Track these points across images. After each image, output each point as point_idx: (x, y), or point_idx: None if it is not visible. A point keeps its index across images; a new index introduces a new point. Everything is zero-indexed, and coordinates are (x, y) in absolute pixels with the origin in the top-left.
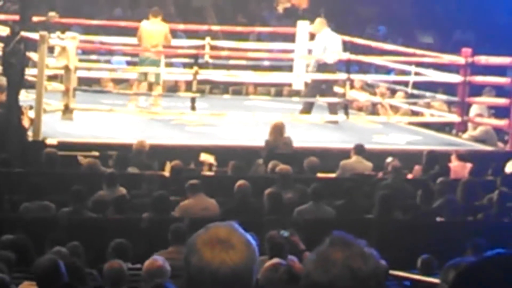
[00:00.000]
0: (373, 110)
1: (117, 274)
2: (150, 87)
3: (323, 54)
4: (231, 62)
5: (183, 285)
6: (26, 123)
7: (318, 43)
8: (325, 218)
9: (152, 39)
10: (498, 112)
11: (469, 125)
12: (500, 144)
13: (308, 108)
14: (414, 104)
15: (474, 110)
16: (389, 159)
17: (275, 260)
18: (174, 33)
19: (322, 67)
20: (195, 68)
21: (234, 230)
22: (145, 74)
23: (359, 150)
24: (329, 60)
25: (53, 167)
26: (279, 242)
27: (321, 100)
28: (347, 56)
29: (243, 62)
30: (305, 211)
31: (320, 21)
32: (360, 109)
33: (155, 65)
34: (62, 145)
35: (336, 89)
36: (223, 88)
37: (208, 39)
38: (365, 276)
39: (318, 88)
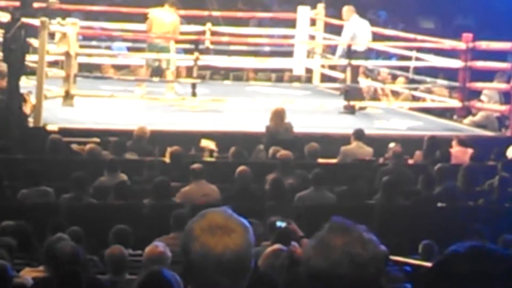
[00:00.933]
0: (374, 95)
1: (118, 260)
2: (163, 73)
3: (352, 41)
4: (232, 47)
5: (181, 272)
6: (27, 109)
7: (346, 30)
8: (326, 204)
9: (163, 28)
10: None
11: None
12: (502, 130)
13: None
14: (415, 89)
15: (484, 95)
16: (391, 145)
17: (276, 246)
18: None
19: (351, 54)
20: (196, 53)
21: (230, 215)
22: (154, 60)
23: (359, 135)
24: (359, 47)
25: (58, 153)
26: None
27: (322, 86)
28: (347, 42)
29: (244, 48)
30: (306, 197)
31: (348, 9)
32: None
33: (164, 52)
34: (63, 131)
35: (337, 74)
36: (223, 74)
37: (208, 24)
38: (364, 262)
39: (357, 74)
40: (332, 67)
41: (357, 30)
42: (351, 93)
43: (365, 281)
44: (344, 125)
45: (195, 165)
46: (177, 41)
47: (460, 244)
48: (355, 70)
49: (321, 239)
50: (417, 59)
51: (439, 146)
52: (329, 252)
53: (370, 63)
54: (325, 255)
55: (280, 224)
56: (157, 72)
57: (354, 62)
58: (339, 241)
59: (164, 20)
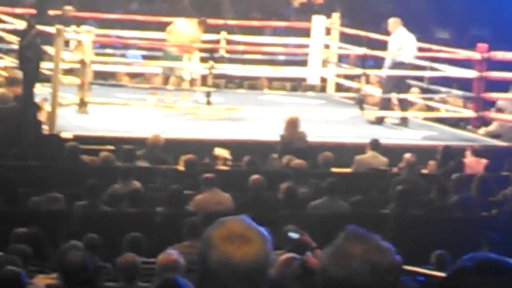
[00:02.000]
0: (389, 105)
1: (131, 267)
2: (179, 82)
3: (398, 53)
4: (247, 56)
5: (197, 280)
6: (42, 116)
7: (393, 41)
8: (339, 213)
9: (181, 38)
10: None
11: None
12: None
13: (384, 105)
14: (430, 99)
15: (499, 106)
16: (407, 155)
17: (289, 254)
18: None
19: (397, 65)
20: (211, 62)
21: (249, 224)
22: (171, 69)
23: (375, 145)
24: (406, 59)
25: (76, 161)
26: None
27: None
28: (363, 51)
29: (259, 57)
30: (320, 206)
31: (395, 21)
32: (375, 104)
33: (177, 60)
34: (77, 139)
35: (352, 84)
36: (238, 82)
37: (224, 33)
38: (384, 270)
39: (392, 86)
40: (346, 77)
41: (403, 41)
42: (383, 104)
43: None
44: (358, 134)
45: (207, 174)
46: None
47: (470, 257)
48: (392, 80)
49: (339, 248)
50: (432, 69)
51: (453, 156)
52: (348, 260)
53: (385, 73)
54: (344, 264)
55: (293, 235)
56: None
57: (401, 72)
58: (358, 249)
59: (185, 32)
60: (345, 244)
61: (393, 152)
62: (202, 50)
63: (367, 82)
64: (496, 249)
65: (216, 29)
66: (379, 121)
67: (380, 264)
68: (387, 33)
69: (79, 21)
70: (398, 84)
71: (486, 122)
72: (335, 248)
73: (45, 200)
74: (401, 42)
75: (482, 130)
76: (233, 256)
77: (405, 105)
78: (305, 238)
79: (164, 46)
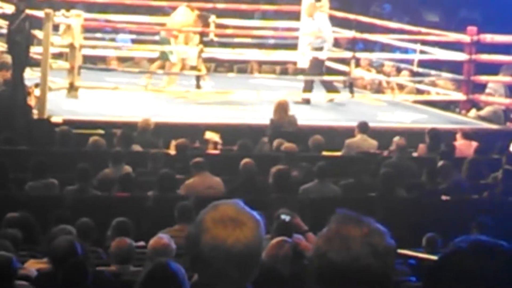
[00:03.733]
0: (379, 88)
1: (125, 252)
2: (170, 66)
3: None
4: (236, 40)
5: (188, 264)
6: (31, 101)
7: (312, 24)
8: (330, 196)
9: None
10: None
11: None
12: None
13: (310, 87)
14: (420, 82)
15: (489, 89)
16: (397, 138)
17: (280, 238)
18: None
19: (320, 48)
20: (200, 46)
21: (242, 208)
22: (167, 53)
23: (363, 128)
24: (329, 40)
25: (67, 145)
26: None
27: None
28: (352, 34)
29: (248, 40)
30: (311, 189)
31: (310, 4)
32: (365, 87)
33: (164, 43)
34: (67, 123)
35: (342, 67)
36: (228, 66)
37: (213, 17)
38: (385, 252)
39: (320, 67)
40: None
41: (321, 24)
42: (324, 85)
43: (385, 271)
44: (349, 117)
45: (197, 158)
46: (181, 33)
47: (463, 239)
48: (319, 62)
49: (337, 232)
50: (422, 52)
51: (441, 138)
52: (349, 243)
53: (375, 56)
54: (346, 248)
55: (285, 217)
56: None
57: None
58: (357, 232)
59: (177, 18)
60: (342, 227)
61: (384, 136)
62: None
63: (357, 65)
64: (486, 232)
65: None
66: (306, 101)
67: (381, 245)
68: (377, 17)
69: (68, 5)
70: (322, 66)
71: (476, 105)
72: (332, 232)
73: (41, 186)
74: (319, 25)
75: (473, 113)
76: (226, 239)
77: (331, 86)
78: (297, 220)
79: (153, 30)
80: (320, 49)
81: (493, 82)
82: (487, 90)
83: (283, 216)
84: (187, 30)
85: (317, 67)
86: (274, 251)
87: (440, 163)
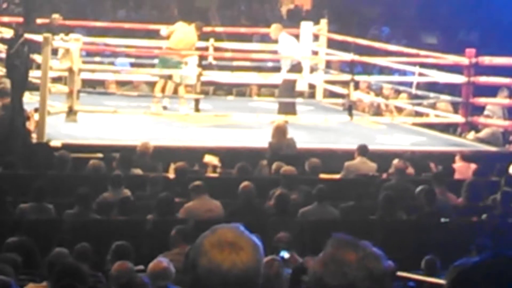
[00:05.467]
0: (377, 111)
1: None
2: (176, 89)
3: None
4: (235, 63)
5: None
6: (30, 125)
7: (284, 44)
8: (329, 219)
9: (182, 43)
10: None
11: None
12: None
13: (284, 109)
14: (419, 105)
15: (487, 110)
16: (396, 161)
17: (269, 256)
18: None
19: (295, 67)
20: (199, 69)
21: (241, 232)
22: (168, 75)
23: (363, 151)
24: (300, 59)
25: (65, 169)
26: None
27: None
28: (350, 57)
29: (247, 64)
30: (310, 212)
31: (276, 27)
32: (363, 110)
33: (178, 66)
34: (66, 147)
35: (340, 90)
36: (227, 89)
37: (211, 40)
38: (381, 275)
39: (292, 89)
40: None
41: (290, 44)
42: (283, 107)
43: None
44: (348, 140)
45: (196, 182)
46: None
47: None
48: (289, 84)
49: (332, 256)
50: (420, 74)
51: (419, 161)
52: (345, 269)
53: (373, 79)
54: (342, 273)
55: (284, 254)
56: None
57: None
58: (353, 257)
59: (186, 36)
60: (338, 252)
61: (383, 158)
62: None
63: (356, 88)
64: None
65: (204, 36)
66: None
67: (377, 269)
68: (375, 39)
69: (67, 29)
70: (293, 88)
71: (475, 127)
72: (328, 257)
73: (33, 209)
74: (288, 45)
75: (472, 135)
76: (222, 264)
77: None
78: (294, 258)
79: (152, 54)
80: (292, 70)
81: (491, 104)
82: (486, 112)
83: (282, 253)
84: (187, 53)
85: (288, 88)
86: (265, 271)
87: (420, 188)
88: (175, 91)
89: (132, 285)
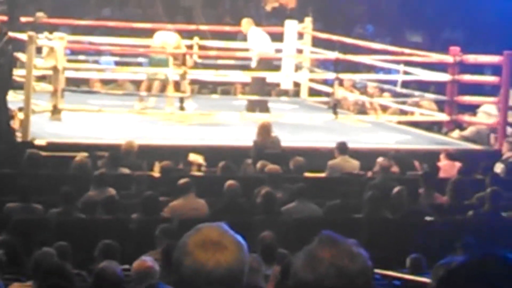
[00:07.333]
0: (362, 109)
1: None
2: (163, 86)
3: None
4: (220, 62)
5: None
6: (15, 124)
7: (254, 39)
8: (314, 217)
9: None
10: None
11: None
12: (492, 141)
13: (253, 106)
14: (403, 103)
15: (482, 109)
16: (380, 159)
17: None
18: None
19: (263, 63)
20: (184, 68)
21: (225, 231)
22: (155, 73)
23: (342, 149)
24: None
25: (36, 168)
26: (270, 243)
27: (310, 100)
28: (335, 55)
29: (232, 62)
30: (291, 210)
31: (247, 21)
32: (348, 108)
33: (163, 64)
34: (51, 146)
35: (325, 88)
36: (211, 88)
37: (196, 39)
38: (352, 274)
39: (262, 84)
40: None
41: (260, 39)
42: (254, 104)
43: None
44: (333, 139)
45: (182, 180)
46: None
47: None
48: (258, 80)
49: (310, 252)
50: (405, 72)
51: (405, 159)
52: (317, 264)
53: (358, 77)
54: (313, 268)
55: None
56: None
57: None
58: (327, 254)
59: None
60: (315, 248)
61: (368, 157)
62: (175, 55)
63: (341, 86)
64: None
65: (188, 35)
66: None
67: (348, 268)
68: (360, 37)
69: (51, 28)
70: (263, 83)
71: (459, 125)
72: (306, 252)
73: (20, 209)
74: (258, 40)
75: (456, 133)
76: (206, 263)
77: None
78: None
79: (137, 52)
80: (260, 66)
81: (488, 103)
82: (479, 114)
83: None
84: (171, 52)
85: (258, 85)
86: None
87: (397, 189)
88: (163, 90)
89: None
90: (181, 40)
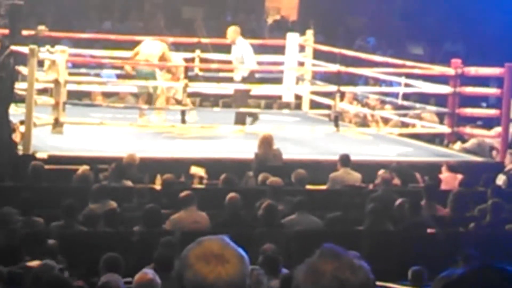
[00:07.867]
0: (363, 121)
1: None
2: (154, 100)
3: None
4: (221, 74)
5: None
6: (16, 137)
7: (241, 50)
8: (315, 229)
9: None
10: (489, 122)
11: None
12: (494, 153)
13: (242, 119)
14: (405, 115)
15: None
16: (382, 172)
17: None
18: None
19: (248, 78)
20: (185, 80)
21: (227, 244)
22: (144, 87)
23: (345, 161)
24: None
25: (39, 181)
26: (272, 256)
27: (311, 112)
28: (337, 68)
29: (233, 75)
30: (292, 222)
31: (234, 29)
32: (350, 120)
33: (151, 77)
34: (53, 159)
35: (327, 100)
36: (213, 100)
37: (198, 51)
38: (354, 287)
39: (245, 97)
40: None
41: (244, 51)
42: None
43: None
44: (335, 151)
45: (184, 193)
46: (166, 68)
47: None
48: (240, 94)
49: (312, 265)
50: (406, 85)
51: (406, 171)
52: (319, 277)
53: (359, 89)
54: (315, 281)
55: None
56: (149, 99)
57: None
58: (328, 267)
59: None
60: (317, 261)
61: (369, 169)
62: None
63: (342, 99)
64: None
65: (190, 47)
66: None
67: (349, 281)
68: (361, 50)
69: (53, 41)
70: (246, 97)
71: (461, 137)
72: (308, 265)
73: (22, 222)
74: (242, 52)
75: (458, 146)
76: (207, 276)
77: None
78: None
79: (138, 65)
80: (247, 78)
81: (468, 114)
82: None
83: None
84: (173, 65)
85: (242, 97)
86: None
87: (398, 201)
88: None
89: None
90: (167, 49)
